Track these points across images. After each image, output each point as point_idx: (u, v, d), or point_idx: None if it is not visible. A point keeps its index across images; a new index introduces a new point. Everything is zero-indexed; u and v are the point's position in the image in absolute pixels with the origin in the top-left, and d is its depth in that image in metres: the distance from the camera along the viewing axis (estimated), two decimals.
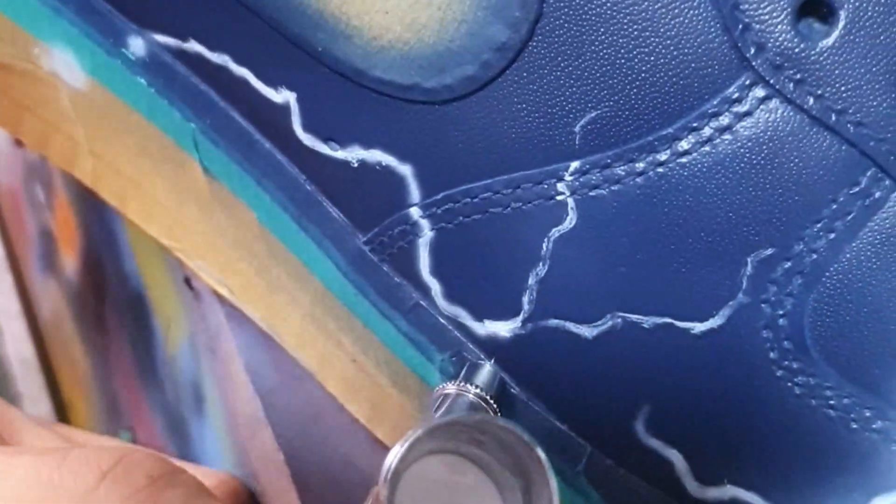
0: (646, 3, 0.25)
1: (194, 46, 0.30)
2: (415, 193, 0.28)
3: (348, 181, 0.29)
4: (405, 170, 0.28)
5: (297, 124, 0.29)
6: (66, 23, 0.33)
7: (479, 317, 0.29)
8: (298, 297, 0.32)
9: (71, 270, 0.53)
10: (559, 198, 0.27)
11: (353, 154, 0.29)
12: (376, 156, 0.28)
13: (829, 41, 0.25)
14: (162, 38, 0.31)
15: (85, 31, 0.32)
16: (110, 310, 0.48)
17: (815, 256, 0.26)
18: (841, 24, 0.25)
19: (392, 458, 0.24)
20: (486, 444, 0.25)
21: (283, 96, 0.29)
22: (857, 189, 0.26)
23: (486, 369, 0.28)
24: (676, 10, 0.25)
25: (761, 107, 0.26)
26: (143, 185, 0.34)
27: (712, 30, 0.25)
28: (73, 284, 0.52)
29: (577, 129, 0.26)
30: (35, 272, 0.59)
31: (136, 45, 0.32)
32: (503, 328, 0.28)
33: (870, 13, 0.25)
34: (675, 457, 0.28)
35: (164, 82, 0.32)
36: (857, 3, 0.25)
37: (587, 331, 0.28)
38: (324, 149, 0.29)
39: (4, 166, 0.59)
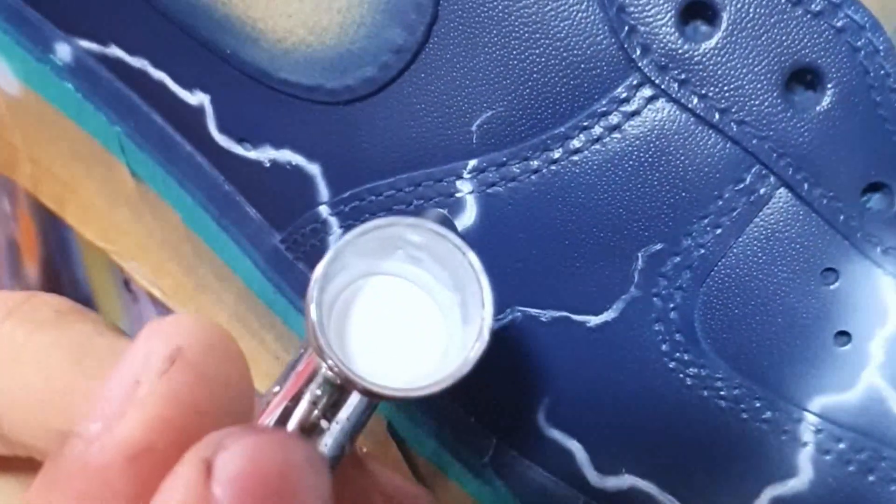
0: (536, 6, 0.26)
1: (115, 51, 0.31)
2: (324, 192, 0.29)
3: (262, 181, 0.30)
4: (314, 169, 0.29)
5: (213, 126, 0.30)
6: None
7: None
8: (223, 296, 0.33)
9: (33, 278, 0.54)
10: (459, 195, 0.28)
11: (265, 154, 0.30)
12: (286, 156, 0.29)
13: (712, 42, 0.26)
14: (85, 44, 0.32)
15: (16, 39, 0.33)
16: None
17: (702, 251, 0.27)
18: (723, 25, 0.26)
19: (318, 271, 0.23)
20: (423, 260, 0.25)
21: (197, 98, 0.30)
22: (741, 186, 0.27)
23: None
24: (565, 13, 0.26)
25: (648, 106, 0.26)
26: (78, 189, 0.35)
27: (600, 32, 0.26)
28: (34, 290, 0.53)
29: (473, 128, 0.27)
30: (5, 280, 0.60)
31: (63, 51, 0.33)
32: None
33: (751, 15, 0.26)
34: (576, 447, 0.29)
35: (89, 87, 0.33)
36: (738, 6, 0.26)
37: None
38: (238, 149, 0.30)
39: None
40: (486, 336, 0.23)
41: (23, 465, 0.26)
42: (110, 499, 0.20)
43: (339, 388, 0.23)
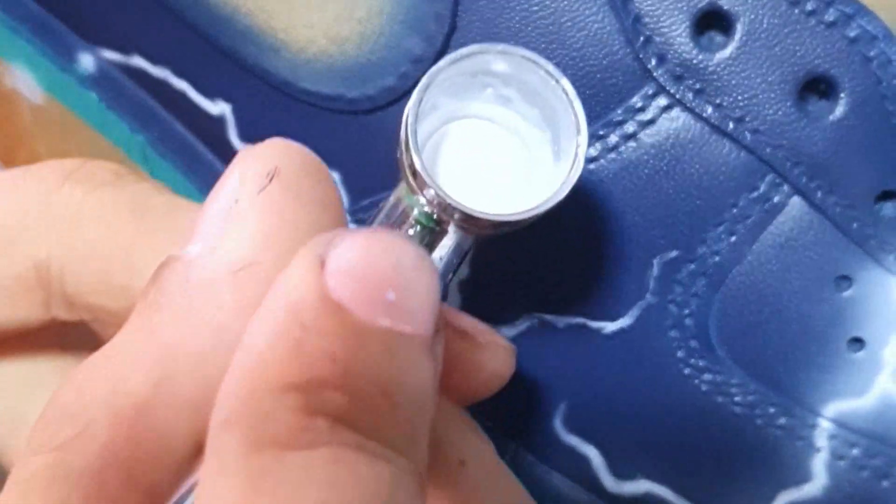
0: (552, 17, 0.27)
1: (137, 61, 0.32)
2: (343, 200, 0.29)
3: None
4: (334, 177, 0.29)
5: (234, 134, 0.31)
6: (23, 41, 0.34)
7: None
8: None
9: None
10: None
11: None
12: None
13: (727, 52, 0.26)
14: (108, 54, 0.33)
15: (40, 49, 0.34)
16: None
17: (717, 258, 0.27)
18: (738, 36, 0.26)
19: (413, 97, 0.23)
20: (512, 100, 0.24)
21: (219, 108, 0.30)
22: (756, 194, 0.27)
23: None
24: (581, 24, 0.27)
25: (664, 115, 0.27)
26: None
27: (616, 42, 0.27)
28: None
29: None
30: None
31: (87, 61, 0.33)
32: None
33: (765, 25, 0.26)
34: (592, 452, 0.29)
35: (112, 96, 0.33)
36: (752, 16, 0.26)
37: (507, 331, 0.29)
38: None
39: None
40: (581, 161, 0.23)
41: (79, 341, 0.26)
42: (215, 312, 0.20)
43: (432, 230, 0.23)
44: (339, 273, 0.19)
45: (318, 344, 0.18)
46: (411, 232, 0.23)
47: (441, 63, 0.23)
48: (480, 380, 0.26)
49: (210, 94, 0.30)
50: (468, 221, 0.23)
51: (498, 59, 0.24)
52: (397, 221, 0.24)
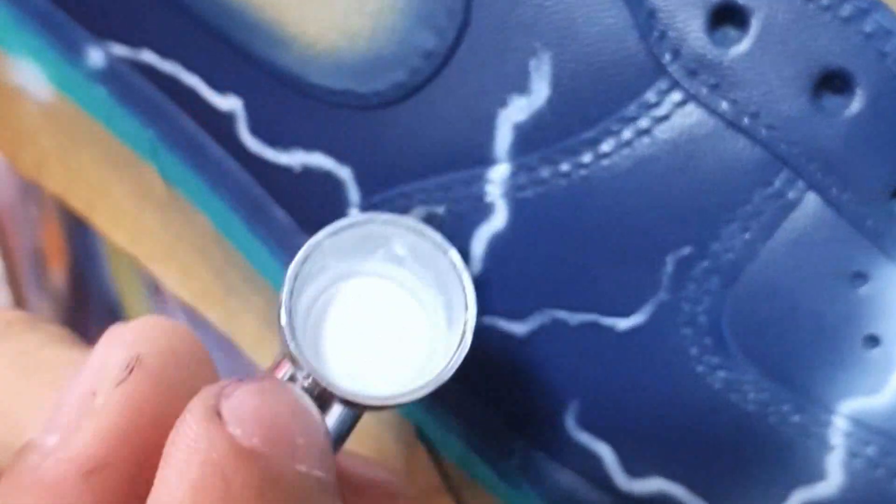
0: (565, 12, 0.27)
1: (147, 56, 0.31)
2: (354, 196, 0.29)
3: (293, 185, 0.30)
4: (344, 173, 0.29)
5: (244, 130, 0.30)
6: (29, 36, 0.34)
7: None
8: (253, 300, 0.34)
9: (59, 284, 0.54)
10: (489, 199, 0.28)
11: (296, 158, 0.30)
12: (317, 159, 0.29)
13: (742, 47, 0.26)
14: (118, 49, 0.32)
15: (48, 43, 0.34)
16: (92, 318, 0.49)
17: (731, 255, 0.27)
18: (752, 31, 0.26)
19: (290, 272, 0.22)
20: (405, 259, 0.24)
21: (230, 103, 0.30)
22: (770, 190, 0.27)
23: None
24: (595, 18, 0.26)
25: (677, 111, 0.27)
26: (108, 194, 0.35)
27: (630, 37, 0.26)
28: (60, 296, 0.53)
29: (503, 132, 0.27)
30: (30, 291, 0.60)
31: (96, 56, 0.33)
32: None
33: (780, 20, 0.26)
34: (604, 450, 0.29)
35: (122, 91, 0.33)
36: (768, 11, 0.26)
37: (518, 328, 0.29)
38: (269, 153, 0.30)
39: (2, 185, 0.61)
40: (468, 339, 0.23)
41: None
42: None
43: (319, 399, 0.22)
44: (242, 422, 0.18)
45: (245, 495, 0.18)
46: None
47: (320, 234, 0.23)
48: None
49: (221, 89, 0.30)
50: (348, 402, 0.22)
51: (384, 229, 0.23)
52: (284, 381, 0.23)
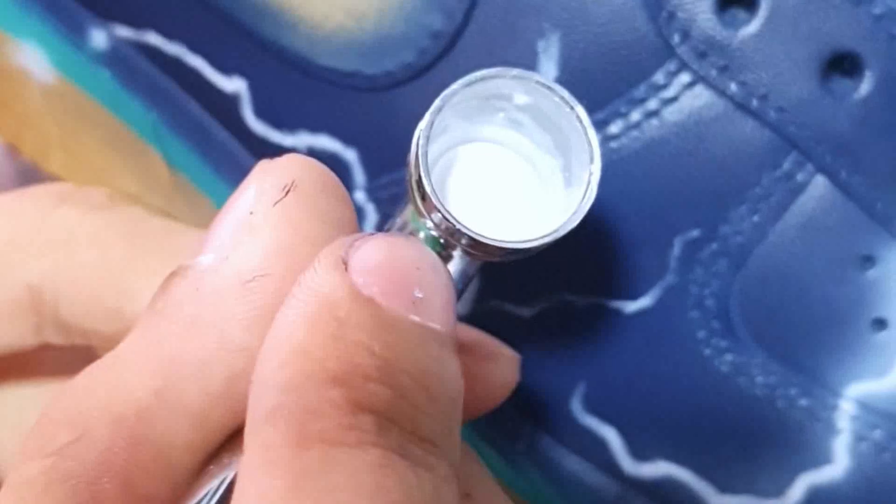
0: None
1: (151, 38, 0.31)
2: (360, 178, 0.29)
3: None
4: (350, 155, 0.29)
5: (249, 112, 0.30)
6: (34, 18, 0.34)
7: None
8: None
9: None
10: None
11: (302, 140, 0.30)
12: (323, 142, 0.29)
13: (751, 29, 0.26)
14: (121, 30, 0.32)
15: (52, 26, 0.33)
16: None
17: (739, 238, 0.27)
18: (761, 12, 0.26)
19: (425, 120, 0.22)
20: (524, 124, 0.24)
21: (234, 84, 0.30)
22: (779, 172, 0.27)
23: None
24: (605, 0, 0.26)
25: (686, 93, 0.27)
26: (112, 178, 0.35)
27: (639, 18, 0.26)
28: None
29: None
30: None
31: (99, 38, 0.33)
32: None
33: (790, 2, 0.26)
34: (611, 434, 0.29)
35: (125, 74, 0.33)
36: None
37: (525, 311, 0.29)
38: (274, 136, 0.30)
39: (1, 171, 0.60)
40: (594, 189, 0.23)
41: (70, 366, 0.25)
42: (223, 322, 0.20)
43: (437, 255, 0.22)
44: (366, 272, 0.19)
45: (356, 337, 0.18)
46: None
47: (455, 86, 0.23)
48: (486, 392, 0.26)
49: (225, 70, 0.30)
50: (475, 247, 0.23)
51: (512, 84, 0.23)
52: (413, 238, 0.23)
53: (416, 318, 0.19)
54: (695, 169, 0.26)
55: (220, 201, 0.32)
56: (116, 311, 0.24)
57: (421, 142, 0.22)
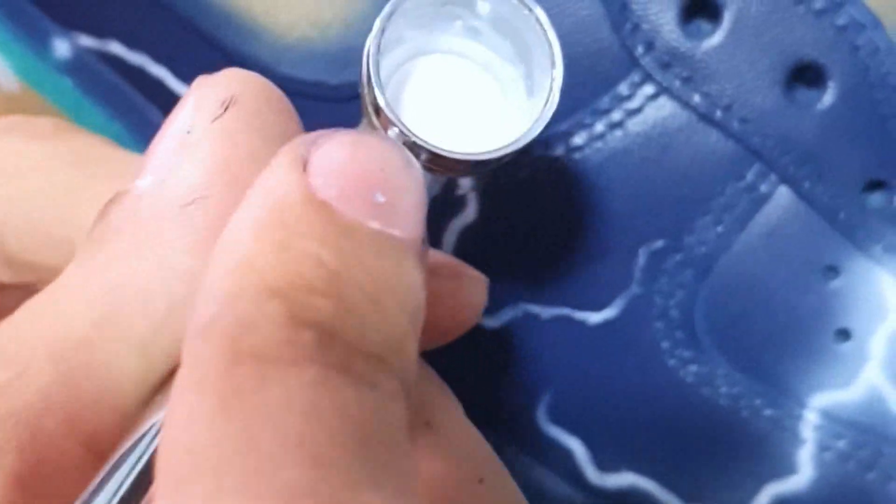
0: (539, 3, 0.26)
1: (114, 47, 0.31)
2: None
3: None
4: None
5: None
6: None
7: None
8: None
9: None
10: (460, 191, 0.28)
11: None
12: None
13: (714, 40, 0.26)
14: (84, 40, 0.32)
15: (14, 34, 0.33)
16: None
17: (704, 249, 0.27)
18: (725, 23, 0.26)
19: (379, 23, 0.21)
20: (483, 33, 0.23)
21: None
22: (743, 183, 0.27)
23: None
24: (569, 10, 0.26)
25: (650, 104, 0.26)
26: None
27: (603, 29, 0.26)
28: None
29: None
30: None
31: (62, 47, 0.33)
32: None
33: (753, 13, 0.26)
34: (576, 444, 0.29)
35: (88, 83, 0.33)
36: (741, 4, 0.26)
37: (489, 321, 0.29)
38: None
39: None
40: (556, 95, 0.22)
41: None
42: (164, 247, 0.19)
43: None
44: (325, 172, 0.18)
45: (304, 245, 0.17)
46: None
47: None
48: (454, 314, 0.25)
49: (189, 80, 0.29)
50: (436, 161, 0.21)
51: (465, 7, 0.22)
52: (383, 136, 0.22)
53: (375, 225, 0.18)
54: (659, 179, 0.26)
55: None
56: (63, 241, 0.23)
57: (371, 51, 0.21)
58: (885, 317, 0.27)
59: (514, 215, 0.27)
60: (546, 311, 0.28)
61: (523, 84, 0.23)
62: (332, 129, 0.19)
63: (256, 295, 0.17)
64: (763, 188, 0.26)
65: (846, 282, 0.27)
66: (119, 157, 0.23)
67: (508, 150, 0.21)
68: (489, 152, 0.21)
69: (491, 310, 0.28)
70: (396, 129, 0.21)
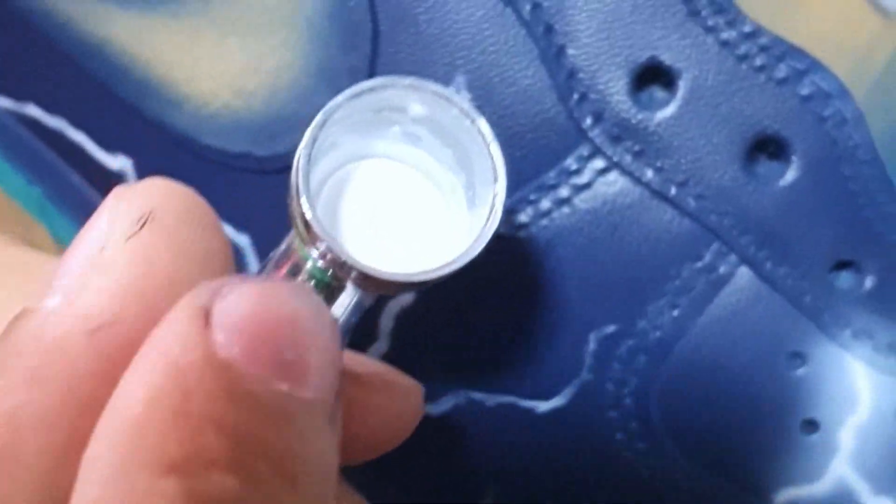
0: (479, 72, 0.24)
1: (32, 110, 0.29)
2: (254, 265, 0.27)
3: None
4: (243, 240, 0.27)
5: None
6: None
7: None
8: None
9: None
10: None
11: None
12: None
13: (668, 111, 0.24)
14: (2, 101, 0.30)
15: None
16: None
17: (659, 333, 0.25)
18: (680, 93, 0.24)
19: (306, 136, 0.20)
20: (422, 138, 0.22)
21: (119, 162, 0.28)
22: (700, 264, 0.25)
23: None
24: (511, 79, 0.24)
25: (600, 179, 0.25)
26: None
27: (548, 99, 0.24)
28: None
29: None
30: None
31: None
32: None
33: (710, 82, 0.24)
34: None
35: (7, 146, 0.31)
36: (696, 72, 0.24)
37: (431, 409, 0.27)
38: None
39: None
40: (498, 211, 0.21)
41: None
42: (69, 378, 0.18)
43: (328, 286, 0.21)
44: (228, 328, 0.16)
45: (204, 412, 0.16)
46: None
47: (339, 98, 0.20)
48: (386, 428, 0.23)
49: (110, 147, 0.28)
50: (367, 280, 0.20)
51: (406, 94, 0.21)
52: (290, 273, 0.21)
53: (284, 387, 0.16)
54: (610, 260, 0.24)
55: None
56: None
57: (301, 163, 0.20)
58: (854, 407, 0.25)
59: (455, 297, 0.25)
60: (491, 399, 0.26)
61: (464, 194, 0.22)
62: (239, 276, 0.17)
63: (149, 471, 0.15)
64: (722, 269, 0.24)
65: (813, 369, 0.26)
66: (28, 260, 0.21)
67: (444, 272, 0.20)
68: (423, 273, 0.20)
69: (432, 396, 0.26)
70: (325, 245, 0.20)
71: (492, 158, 0.21)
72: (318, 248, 0.20)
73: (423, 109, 0.21)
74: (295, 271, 0.21)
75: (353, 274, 0.20)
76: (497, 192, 0.21)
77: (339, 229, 0.21)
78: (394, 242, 0.22)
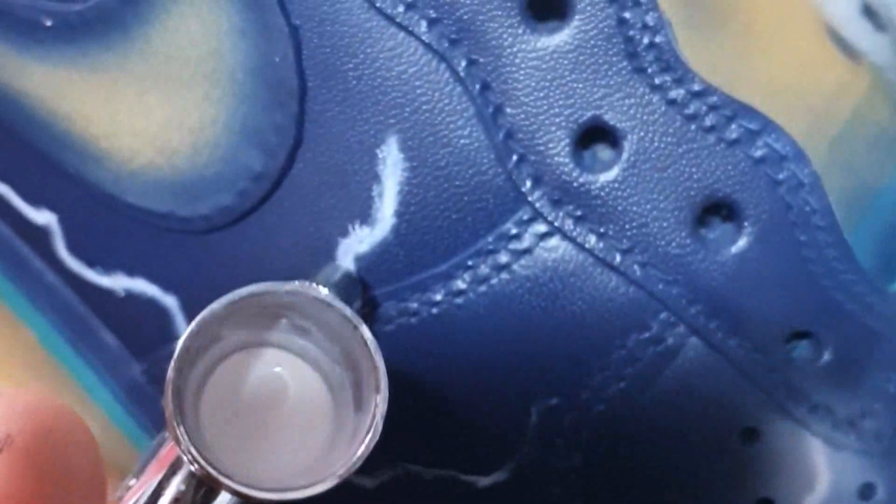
0: (412, 131, 0.23)
1: None
2: (181, 327, 0.26)
3: (118, 308, 0.27)
4: (170, 301, 0.26)
5: (62, 247, 0.27)
6: None
7: None
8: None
9: None
10: None
11: (119, 282, 0.26)
12: (140, 285, 0.26)
13: (612, 174, 0.23)
14: None
15: None
16: None
17: (603, 407, 0.24)
18: (625, 155, 0.23)
19: (179, 347, 0.20)
20: (311, 332, 0.22)
21: (44, 217, 0.27)
22: (647, 335, 0.23)
23: None
24: (445, 139, 0.23)
25: (541, 244, 0.23)
26: None
27: (485, 161, 0.23)
28: None
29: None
30: None
31: None
32: None
33: (657, 143, 0.23)
34: None
35: None
36: (642, 133, 0.23)
37: (367, 481, 0.25)
38: (90, 275, 0.27)
39: None
40: (378, 426, 0.20)
41: None
42: None
43: (207, 486, 0.20)
44: None
45: None
46: (182, 486, 0.20)
47: (215, 305, 0.20)
48: None
49: (34, 201, 0.26)
50: (238, 495, 0.20)
51: (288, 299, 0.21)
52: (174, 467, 0.20)
53: None
54: (551, 329, 0.23)
55: (40, 334, 0.29)
56: None
57: (172, 375, 0.19)
58: (813, 485, 0.24)
59: (390, 365, 0.24)
60: (428, 472, 0.25)
61: (352, 394, 0.21)
62: None
63: None
64: (670, 340, 0.23)
65: (768, 445, 0.24)
66: None
67: (317, 489, 0.20)
68: (298, 489, 0.20)
69: (367, 468, 0.25)
70: (197, 466, 0.19)
71: (375, 368, 0.21)
72: (192, 467, 0.20)
73: (307, 316, 0.21)
74: (178, 465, 0.21)
75: (225, 487, 0.20)
76: (378, 402, 0.20)
77: (218, 427, 0.21)
78: (277, 440, 0.22)
